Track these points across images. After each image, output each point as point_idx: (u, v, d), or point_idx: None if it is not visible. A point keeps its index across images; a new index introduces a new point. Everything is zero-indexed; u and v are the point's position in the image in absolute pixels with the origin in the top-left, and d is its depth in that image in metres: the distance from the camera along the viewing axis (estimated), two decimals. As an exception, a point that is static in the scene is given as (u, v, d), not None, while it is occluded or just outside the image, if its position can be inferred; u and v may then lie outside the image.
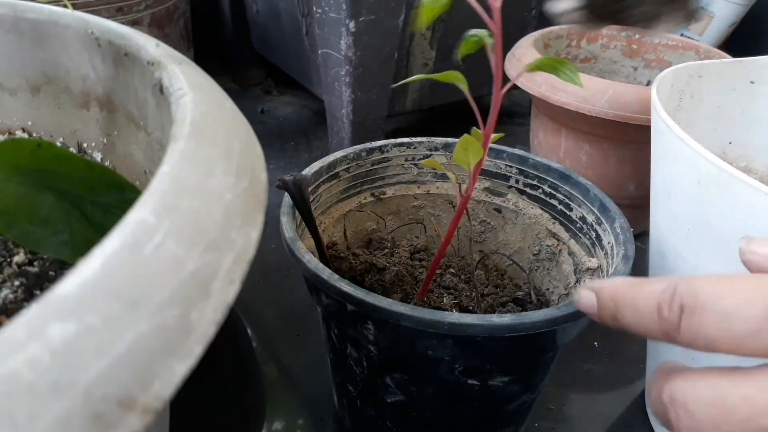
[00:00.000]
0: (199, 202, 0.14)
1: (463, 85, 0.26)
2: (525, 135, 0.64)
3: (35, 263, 0.26)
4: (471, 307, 0.35)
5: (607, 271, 0.32)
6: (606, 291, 0.21)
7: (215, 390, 0.40)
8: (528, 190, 0.39)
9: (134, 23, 0.56)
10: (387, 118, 0.65)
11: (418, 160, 0.40)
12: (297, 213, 0.32)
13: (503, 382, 0.30)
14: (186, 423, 0.35)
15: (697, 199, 0.29)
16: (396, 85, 0.26)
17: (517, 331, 0.26)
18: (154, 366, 0.11)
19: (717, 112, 0.43)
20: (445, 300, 0.35)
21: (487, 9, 0.24)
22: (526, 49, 0.57)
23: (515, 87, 0.57)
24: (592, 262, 0.34)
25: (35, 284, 0.25)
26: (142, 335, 0.11)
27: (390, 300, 0.25)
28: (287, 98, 0.86)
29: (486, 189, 0.40)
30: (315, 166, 0.35)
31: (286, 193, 0.32)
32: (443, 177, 0.40)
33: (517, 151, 0.39)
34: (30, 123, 0.30)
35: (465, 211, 0.30)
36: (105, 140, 0.29)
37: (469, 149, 0.27)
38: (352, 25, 0.54)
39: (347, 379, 0.33)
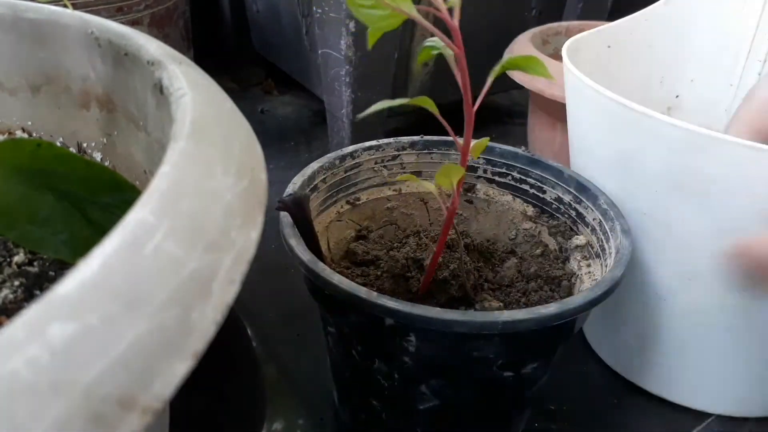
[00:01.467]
0: (199, 202, 0.14)
1: (433, 109, 0.27)
2: (525, 135, 0.64)
3: (35, 263, 0.26)
4: (463, 282, 0.35)
5: (599, 246, 0.34)
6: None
7: (215, 390, 0.40)
8: (497, 178, 0.40)
9: (134, 23, 0.56)
10: (387, 118, 0.65)
11: (387, 161, 0.40)
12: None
13: (532, 369, 0.30)
14: (186, 423, 0.35)
15: (615, 144, 0.32)
16: (361, 115, 0.26)
17: (564, 318, 0.26)
18: (154, 366, 0.11)
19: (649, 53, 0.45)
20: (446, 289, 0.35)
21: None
22: (524, 46, 0.57)
23: (515, 87, 0.57)
24: (580, 240, 0.35)
25: (35, 284, 0.25)
26: (142, 335, 0.11)
27: (438, 309, 0.25)
28: (287, 98, 0.86)
29: None
30: (297, 180, 0.34)
31: (282, 215, 0.31)
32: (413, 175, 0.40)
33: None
34: (30, 123, 0.30)
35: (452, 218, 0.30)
36: (105, 140, 0.29)
37: (451, 172, 0.27)
38: (352, 25, 0.54)
39: (371, 395, 0.33)
